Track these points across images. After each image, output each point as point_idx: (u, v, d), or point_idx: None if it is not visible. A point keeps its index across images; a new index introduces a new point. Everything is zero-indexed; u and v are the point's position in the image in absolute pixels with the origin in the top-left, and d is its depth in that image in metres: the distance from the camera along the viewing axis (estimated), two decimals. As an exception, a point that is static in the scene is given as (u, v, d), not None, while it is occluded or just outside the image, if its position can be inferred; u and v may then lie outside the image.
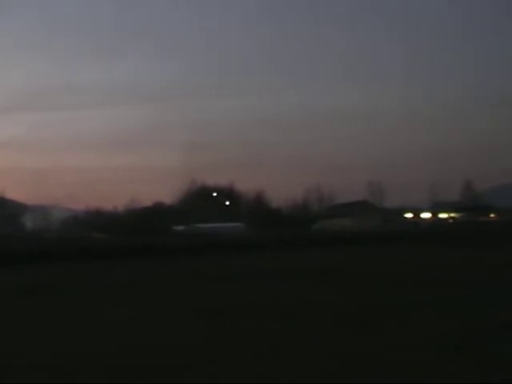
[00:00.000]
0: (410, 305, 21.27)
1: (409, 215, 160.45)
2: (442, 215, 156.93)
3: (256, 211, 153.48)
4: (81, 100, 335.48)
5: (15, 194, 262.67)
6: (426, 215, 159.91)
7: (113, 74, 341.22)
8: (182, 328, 18.13)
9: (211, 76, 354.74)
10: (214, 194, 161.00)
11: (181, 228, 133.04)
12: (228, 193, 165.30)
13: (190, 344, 15.42)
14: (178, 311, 21.82)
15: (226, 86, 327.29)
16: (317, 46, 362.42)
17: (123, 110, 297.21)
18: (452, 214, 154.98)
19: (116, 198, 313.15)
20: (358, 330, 16.74)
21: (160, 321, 19.70)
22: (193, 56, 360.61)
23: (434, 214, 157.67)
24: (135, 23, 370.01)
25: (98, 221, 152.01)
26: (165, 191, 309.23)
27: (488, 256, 45.44)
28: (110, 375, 12.49)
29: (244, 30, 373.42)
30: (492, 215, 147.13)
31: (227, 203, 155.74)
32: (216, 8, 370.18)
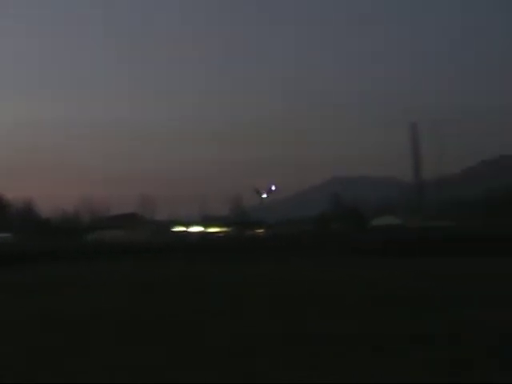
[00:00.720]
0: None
1: (179, 228, 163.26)
2: (212, 229, 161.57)
3: (25, 221, 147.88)
4: None
5: None
6: (196, 229, 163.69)
7: None
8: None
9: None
10: None
11: None
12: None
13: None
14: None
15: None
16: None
17: None
18: (222, 228, 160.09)
19: None
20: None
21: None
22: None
23: (206, 228, 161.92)
24: None
25: None
26: None
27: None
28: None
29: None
30: (260, 230, 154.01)
31: None
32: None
